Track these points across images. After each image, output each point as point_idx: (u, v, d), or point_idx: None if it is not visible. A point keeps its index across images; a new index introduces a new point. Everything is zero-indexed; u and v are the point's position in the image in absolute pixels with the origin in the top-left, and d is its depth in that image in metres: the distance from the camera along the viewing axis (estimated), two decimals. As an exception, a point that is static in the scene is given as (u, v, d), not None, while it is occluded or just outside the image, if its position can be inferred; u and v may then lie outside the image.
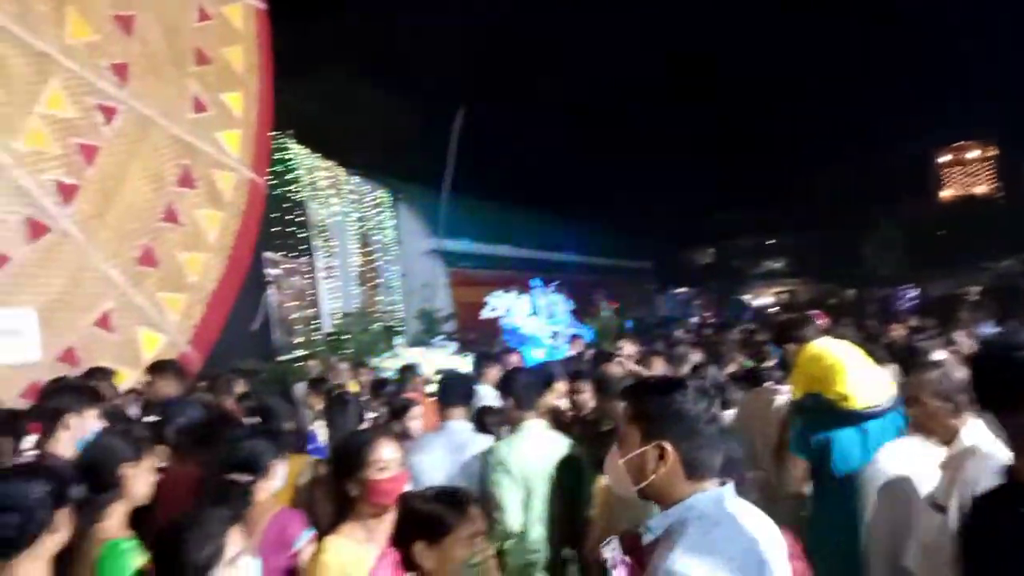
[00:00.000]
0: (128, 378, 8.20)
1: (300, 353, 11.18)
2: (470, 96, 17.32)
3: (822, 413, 3.80)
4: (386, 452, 2.75)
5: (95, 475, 2.63)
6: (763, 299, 38.54)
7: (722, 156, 34.73)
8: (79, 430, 3.43)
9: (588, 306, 13.51)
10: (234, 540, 2.13)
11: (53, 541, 2.18)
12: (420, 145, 18.33)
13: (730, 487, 1.89)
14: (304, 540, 2.88)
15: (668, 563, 1.74)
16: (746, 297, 39.10)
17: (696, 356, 7.16)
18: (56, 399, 3.70)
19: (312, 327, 12.38)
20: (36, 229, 7.68)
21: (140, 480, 2.74)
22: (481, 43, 24.12)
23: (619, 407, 2.05)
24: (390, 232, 16.23)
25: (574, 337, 10.70)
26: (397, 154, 17.55)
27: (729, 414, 4.92)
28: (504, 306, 10.62)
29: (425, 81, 20.61)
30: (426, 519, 2.17)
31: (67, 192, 7.98)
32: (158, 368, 5.68)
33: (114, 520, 2.62)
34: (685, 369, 6.19)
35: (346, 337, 12.35)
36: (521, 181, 25.21)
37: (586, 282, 19.44)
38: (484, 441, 4.03)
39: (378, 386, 6.45)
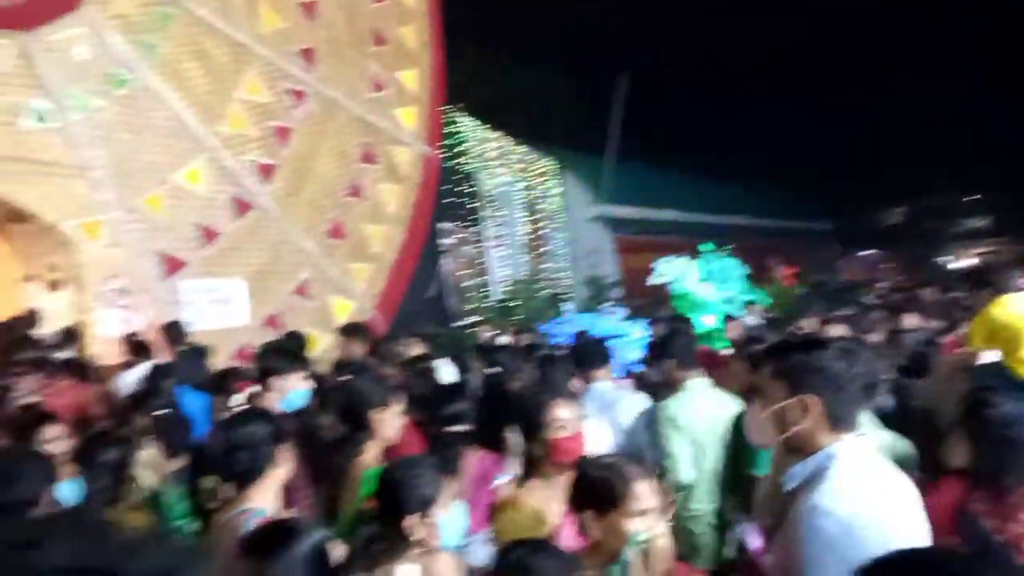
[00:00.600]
0: (322, 342, 8.98)
1: (472, 319, 11.60)
2: (634, 60, 16.91)
3: (995, 378, 3.29)
4: (563, 412, 2.79)
5: (352, 417, 2.96)
6: (963, 261, 34.95)
7: (907, 108, 31.50)
8: (283, 390, 3.75)
9: (763, 271, 12.89)
10: (448, 484, 2.30)
11: (278, 474, 2.50)
12: (585, 112, 18.19)
13: (867, 439, 1.96)
14: (504, 479, 3.03)
15: (810, 503, 1.80)
16: (944, 259, 35.64)
17: (912, 320, 6.63)
18: (264, 361, 4.06)
19: (483, 294, 12.80)
20: (241, 206, 8.47)
21: (388, 423, 3.02)
22: (646, 6, 23.39)
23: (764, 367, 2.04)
24: (556, 200, 16.31)
25: (748, 303, 10.25)
26: (562, 122, 17.52)
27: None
28: (673, 272, 10.35)
29: (589, 48, 20.35)
30: (596, 488, 2.12)
31: (266, 172, 8.73)
32: (350, 331, 6.08)
33: (370, 455, 2.94)
34: (875, 337, 5.75)
35: (515, 304, 12.63)
36: (688, 143, 24.31)
37: (761, 246, 18.52)
38: (634, 399, 4.06)
39: (531, 349, 6.45)
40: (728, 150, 26.13)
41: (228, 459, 2.43)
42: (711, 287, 10.40)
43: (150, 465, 3.49)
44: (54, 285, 7.62)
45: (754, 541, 3.06)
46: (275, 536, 1.87)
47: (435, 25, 10.50)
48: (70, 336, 6.92)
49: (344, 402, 3.04)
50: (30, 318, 7.22)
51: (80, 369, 5.99)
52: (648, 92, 18.25)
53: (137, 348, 6.36)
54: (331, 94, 9.29)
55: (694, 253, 10.74)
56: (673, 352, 3.98)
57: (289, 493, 2.54)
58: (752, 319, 9.01)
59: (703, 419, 3.71)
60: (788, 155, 28.65)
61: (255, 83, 8.65)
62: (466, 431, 3.10)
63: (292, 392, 3.63)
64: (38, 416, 3.74)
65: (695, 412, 3.74)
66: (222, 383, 4.92)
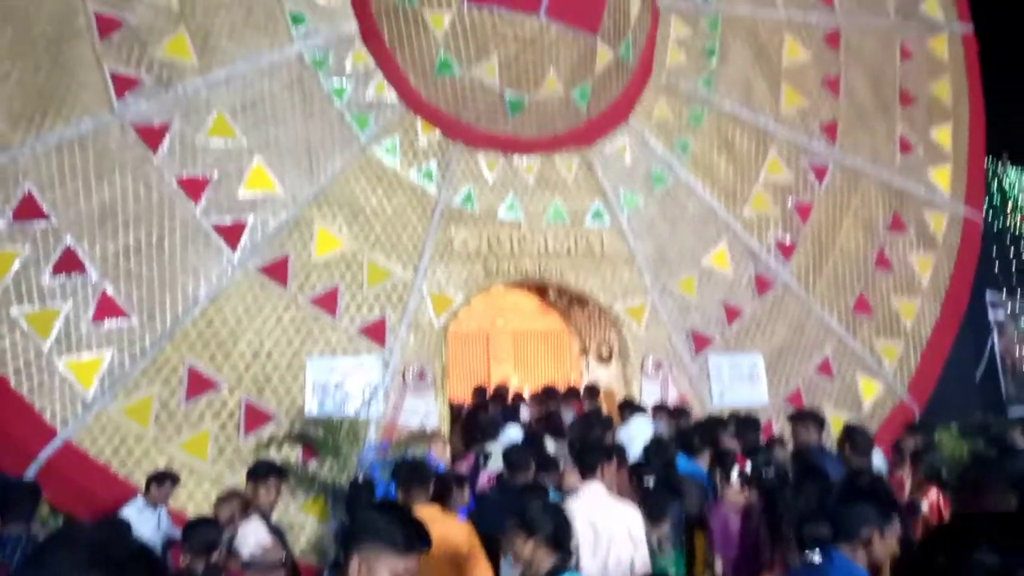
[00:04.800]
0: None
1: (1034, 407, 9.70)
2: None
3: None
4: None
5: None
6: None
7: None
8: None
9: None
10: None
11: None
12: None
13: None
14: None
15: None
16: None
17: None
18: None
19: (1048, 377, 10.65)
20: (762, 284, 8.68)
21: None
22: None
23: None
24: None
25: None
26: None
27: None
28: None
29: None
30: None
31: (786, 250, 8.80)
32: (802, 417, 5.55)
33: None
34: None
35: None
36: None
37: None
38: None
39: None
40: None
41: None
42: None
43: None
44: (605, 359, 8.82)
45: None
46: None
47: (972, 74, 9.42)
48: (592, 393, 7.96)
49: None
50: (591, 390, 8.45)
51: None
52: None
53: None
54: (854, 164, 9.00)
55: None
56: None
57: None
58: None
59: None
60: None
61: (776, 163, 8.88)
62: None
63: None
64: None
65: None
66: (723, 459, 5.04)
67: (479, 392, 8.45)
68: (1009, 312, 10.52)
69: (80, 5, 6.50)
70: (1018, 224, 10.90)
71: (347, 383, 6.84)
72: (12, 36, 6.22)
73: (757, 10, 9.03)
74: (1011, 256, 10.51)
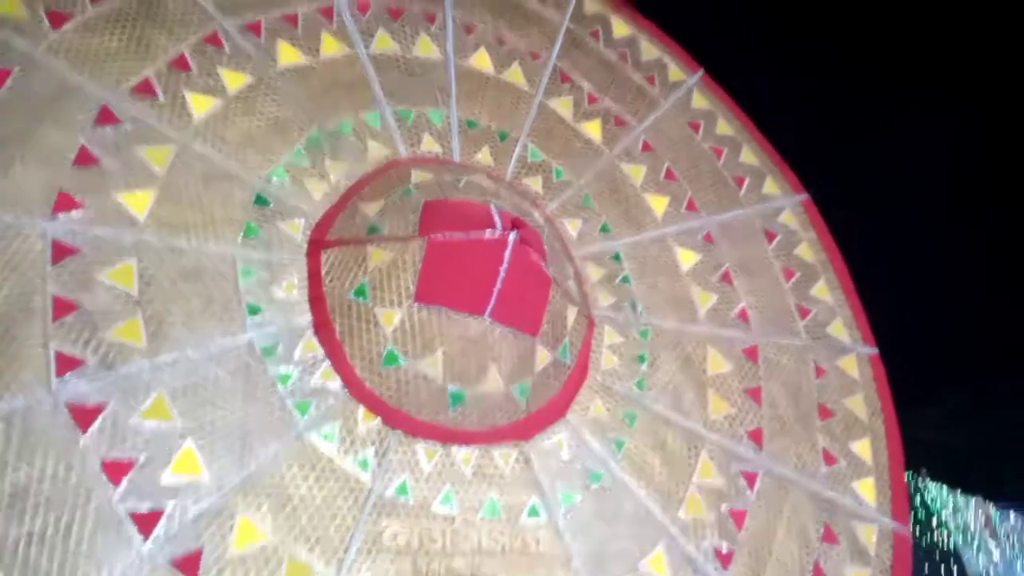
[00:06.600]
0: None
1: None
2: None
3: None
4: None
5: None
6: None
7: None
8: None
9: None
10: None
11: None
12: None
13: None
14: None
15: None
16: None
17: None
18: None
19: None
20: (701, 594, 8.41)
21: None
22: None
23: None
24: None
25: None
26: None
27: None
28: None
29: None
30: None
31: (724, 558, 8.66)
32: None
33: None
34: None
35: None
36: None
37: None
38: None
39: None
40: None
41: None
42: None
43: None
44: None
45: None
46: None
47: (882, 391, 10.18)
48: None
49: None
50: None
51: None
52: None
53: None
54: (782, 471, 9.26)
55: None
56: None
57: None
58: None
59: None
60: None
61: (708, 467, 9.06)
62: None
63: None
64: None
65: None
66: None
67: None
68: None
69: (40, 286, 6.72)
70: (945, 540, 11.06)
71: None
72: (-35, 314, 6.34)
73: (682, 325, 9.80)
74: (943, 574, 10.51)
